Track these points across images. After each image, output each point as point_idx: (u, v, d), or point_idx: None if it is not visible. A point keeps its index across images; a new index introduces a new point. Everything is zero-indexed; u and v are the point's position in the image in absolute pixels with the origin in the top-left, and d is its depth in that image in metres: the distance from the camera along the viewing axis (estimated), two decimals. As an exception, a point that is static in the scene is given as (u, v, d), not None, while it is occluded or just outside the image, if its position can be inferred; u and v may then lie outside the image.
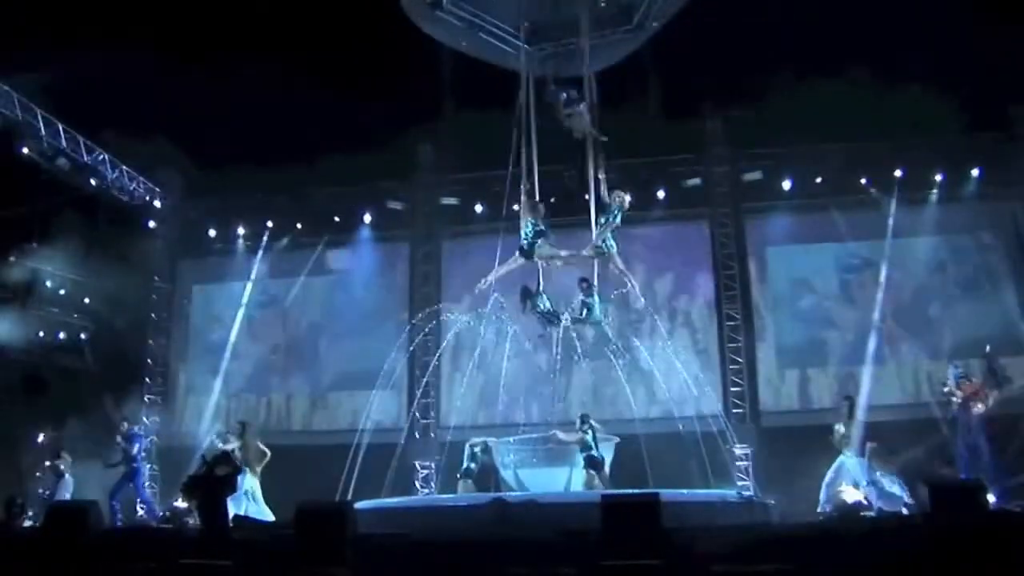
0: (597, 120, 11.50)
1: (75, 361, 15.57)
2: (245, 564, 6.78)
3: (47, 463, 12.47)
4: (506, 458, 12.75)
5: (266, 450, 12.33)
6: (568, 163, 15.35)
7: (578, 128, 11.45)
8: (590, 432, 11.70)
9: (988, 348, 12.30)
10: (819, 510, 10.76)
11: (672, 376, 13.95)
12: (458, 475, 12.19)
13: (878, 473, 10.78)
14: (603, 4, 11.38)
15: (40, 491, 12.40)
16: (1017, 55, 12.77)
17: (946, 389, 11.44)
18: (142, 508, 13.00)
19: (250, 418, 13.06)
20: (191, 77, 14.76)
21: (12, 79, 13.62)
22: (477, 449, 12.35)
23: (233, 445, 11.87)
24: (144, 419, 12.79)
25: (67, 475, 12.19)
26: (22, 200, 13.88)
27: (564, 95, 11.35)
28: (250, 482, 11.99)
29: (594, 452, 11.75)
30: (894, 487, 10.65)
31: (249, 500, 11.81)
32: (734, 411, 14.80)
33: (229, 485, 8.03)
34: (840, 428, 11.37)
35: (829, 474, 11.14)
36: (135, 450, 12.28)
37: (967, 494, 6.56)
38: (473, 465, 12.10)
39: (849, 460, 11.09)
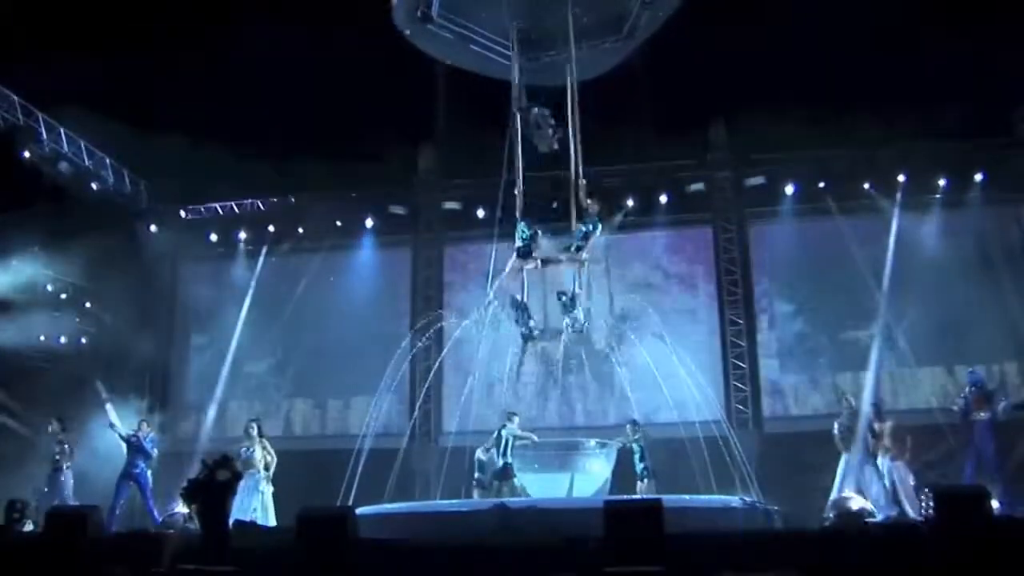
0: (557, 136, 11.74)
1: (76, 365, 15.52)
2: (246, 570, 6.75)
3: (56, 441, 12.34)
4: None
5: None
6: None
7: (541, 143, 11.72)
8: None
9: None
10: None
11: (675, 381, 13.92)
12: (473, 485, 12.12)
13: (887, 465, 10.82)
14: (584, 20, 11.43)
15: (45, 489, 12.28)
16: (1020, 59, 12.76)
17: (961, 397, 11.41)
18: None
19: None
20: (194, 82, 14.78)
21: (14, 83, 13.66)
22: (484, 458, 12.29)
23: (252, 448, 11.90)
24: (144, 425, 12.69)
25: (67, 471, 12.15)
26: (23, 204, 13.87)
27: (535, 112, 11.56)
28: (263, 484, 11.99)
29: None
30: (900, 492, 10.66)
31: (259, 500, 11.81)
32: (737, 416, 14.78)
33: (230, 490, 8.00)
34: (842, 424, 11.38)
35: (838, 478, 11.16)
36: (140, 456, 12.24)
37: (971, 501, 6.53)
38: (483, 474, 12.03)
39: (852, 459, 11.09)
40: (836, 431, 11.51)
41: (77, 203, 15.12)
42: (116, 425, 12.34)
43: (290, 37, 14.82)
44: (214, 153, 14.89)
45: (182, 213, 17.32)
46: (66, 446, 12.30)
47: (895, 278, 14.83)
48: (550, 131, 11.53)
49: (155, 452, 12.43)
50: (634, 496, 10.98)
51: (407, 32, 11.43)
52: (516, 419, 12.19)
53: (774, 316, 15.60)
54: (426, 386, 15.09)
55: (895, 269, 14.86)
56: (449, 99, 13.81)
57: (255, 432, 12.17)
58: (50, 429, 12.50)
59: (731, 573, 6.07)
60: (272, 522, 11.54)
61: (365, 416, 13.89)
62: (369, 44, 13.95)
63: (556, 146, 11.81)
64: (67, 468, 12.20)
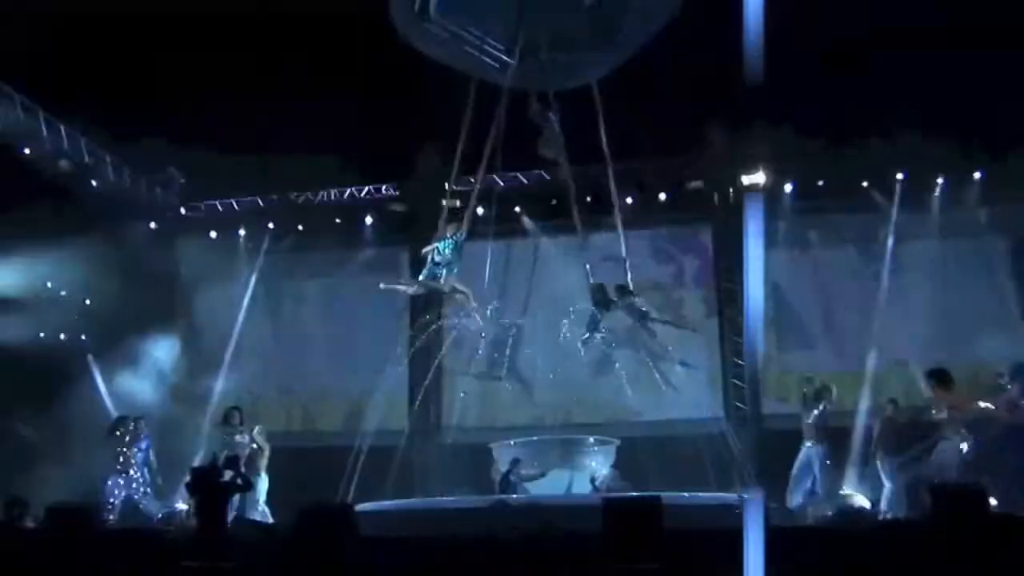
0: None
1: (76, 362, 15.54)
2: (246, 566, 6.78)
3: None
4: (507, 462, 12.72)
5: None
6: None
7: (548, 150, 11.76)
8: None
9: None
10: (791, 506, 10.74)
11: (673, 378, 13.93)
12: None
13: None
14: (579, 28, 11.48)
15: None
16: (1018, 56, 12.77)
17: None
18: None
19: (250, 419, 12.96)
20: (192, 79, 14.77)
21: (14, 80, 13.67)
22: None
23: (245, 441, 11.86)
24: (140, 423, 12.60)
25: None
26: (23, 201, 13.87)
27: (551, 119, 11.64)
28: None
29: None
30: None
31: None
32: (735, 413, 14.80)
33: (233, 490, 8.04)
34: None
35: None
36: (136, 456, 12.19)
37: (969, 499, 6.55)
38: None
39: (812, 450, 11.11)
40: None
41: (77, 200, 15.13)
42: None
43: (289, 34, 14.83)
44: (214, 151, 14.90)
45: (182, 210, 17.36)
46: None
47: (893, 276, 14.87)
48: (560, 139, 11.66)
49: (150, 451, 12.36)
50: (633, 493, 11.02)
51: (403, 29, 11.42)
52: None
53: (773, 313, 15.61)
54: (426, 383, 15.10)
55: (893, 268, 14.89)
56: (450, 96, 13.81)
57: (237, 421, 12.17)
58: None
59: (730, 569, 6.09)
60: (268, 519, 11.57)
61: (365, 413, 13.92)
62: (369, 40, 13.96)
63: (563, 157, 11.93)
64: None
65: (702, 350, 15.55)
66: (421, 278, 11.64)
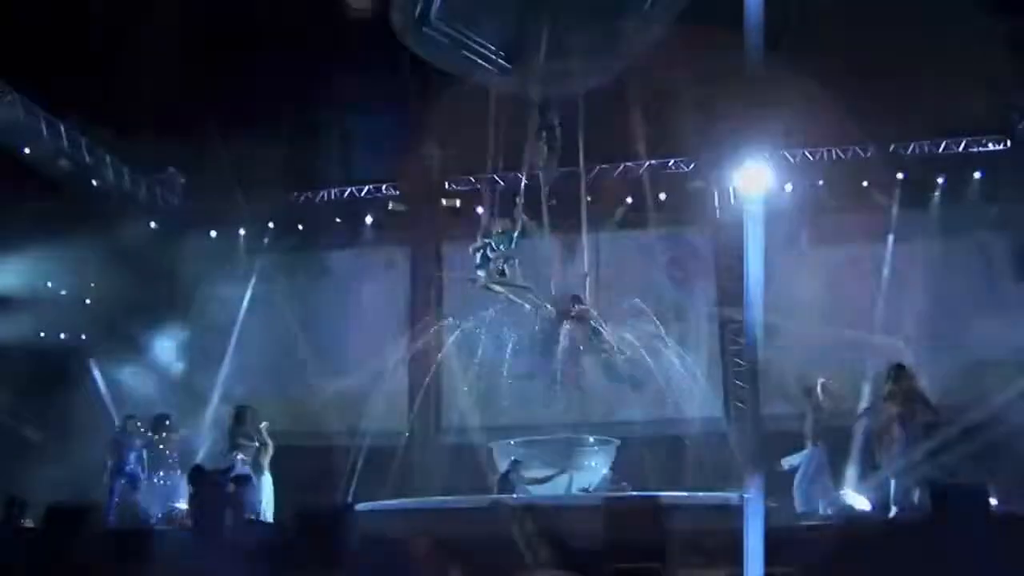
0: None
1: (76, 362, 15.54)
2: (245, 566, 6.78)
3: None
4: (506, 461, 12.71)
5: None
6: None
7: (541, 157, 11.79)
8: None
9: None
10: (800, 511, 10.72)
11: (673, 378, 13.93)
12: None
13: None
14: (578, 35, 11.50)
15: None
16: (1019, 56, 12.77)
17: None
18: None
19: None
20: (193, 79, 14.78)
21: (15, 80, 13.69)
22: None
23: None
24: (133, 423, 12.56)
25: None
26: (23, 201, 13.88)
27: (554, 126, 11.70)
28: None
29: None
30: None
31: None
32: (735, 413, 14.80)
33: (228, 502, 8.04)
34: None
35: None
36: (131, 453, 12.16)
37: (970, 497, 6.55)
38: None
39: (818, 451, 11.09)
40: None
41: (77, 200, 15.14)
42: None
43: (288, 34, 14.83)
44: (214, 150, 14.90)
45: (182, 210, 17.35)
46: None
47: (893, 276, 14.87)
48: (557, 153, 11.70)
49: (144, 451, 12.32)
50: (633, 493, 11.02)
51: (403, 33, 11.43)
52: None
53: (773, 313, 15.58)
54: (426, 383, 15.11)
55: (893, 267, 14.90)
56: (450, 96, 13.82)
57: (248, 420, 12.12)
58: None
59: (730, 569, 6.09)
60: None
61: (365, 412, 13.92)
62: (369, 39, 13.96)
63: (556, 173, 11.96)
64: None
65: (702, 350, 15.56)
66: (481, 274, 11.67)
